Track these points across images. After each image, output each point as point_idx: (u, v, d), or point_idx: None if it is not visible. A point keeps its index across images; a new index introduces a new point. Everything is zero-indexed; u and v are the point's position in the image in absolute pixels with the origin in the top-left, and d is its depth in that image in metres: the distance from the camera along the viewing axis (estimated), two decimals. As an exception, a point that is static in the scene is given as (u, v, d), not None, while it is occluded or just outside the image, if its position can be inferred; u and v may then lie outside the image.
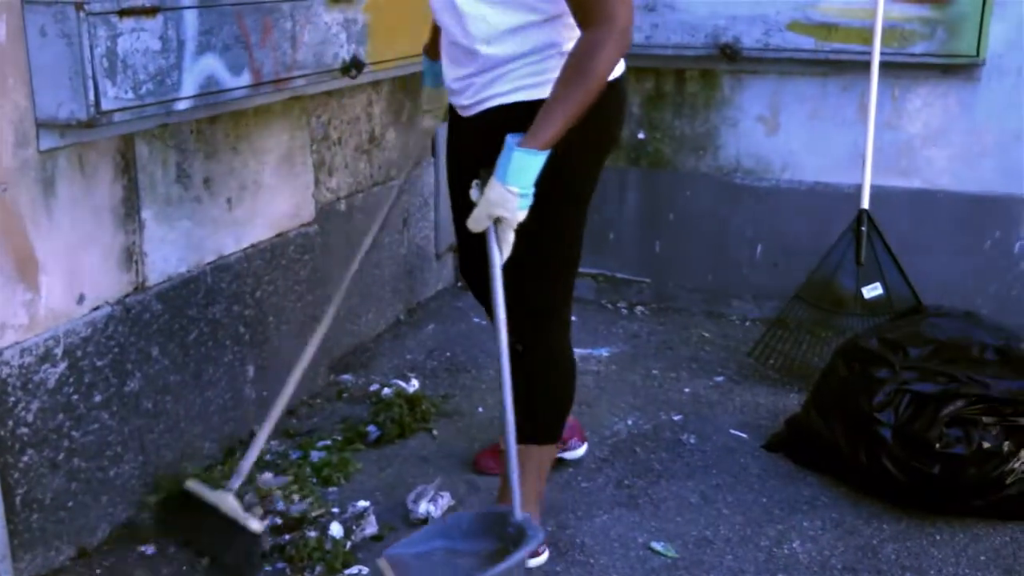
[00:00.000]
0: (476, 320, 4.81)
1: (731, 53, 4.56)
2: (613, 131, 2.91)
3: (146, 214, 3.13)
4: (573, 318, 3.16)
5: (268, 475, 3.39)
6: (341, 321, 4.27)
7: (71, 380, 2.90)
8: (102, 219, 2.98)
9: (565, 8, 2.56)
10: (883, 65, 4.23)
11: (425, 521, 3.20)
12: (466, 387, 4.16)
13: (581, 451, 3.45)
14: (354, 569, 2.99)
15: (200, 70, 3.03)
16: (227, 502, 3.01)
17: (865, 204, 4.20)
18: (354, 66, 3.73)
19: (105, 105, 2.69)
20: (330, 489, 3.40)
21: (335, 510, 3.24)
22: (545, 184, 2.56)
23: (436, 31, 3.16)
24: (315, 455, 3.56)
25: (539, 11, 2.62)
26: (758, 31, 4.51)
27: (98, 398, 3.00)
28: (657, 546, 3.15)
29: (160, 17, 2.85)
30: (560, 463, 3.49)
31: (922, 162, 4.54)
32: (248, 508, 3.03)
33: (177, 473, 3.32)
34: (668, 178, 4.93)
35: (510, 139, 2.52)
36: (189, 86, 2.99)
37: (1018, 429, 3.22)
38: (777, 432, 3.78)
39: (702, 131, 4.82)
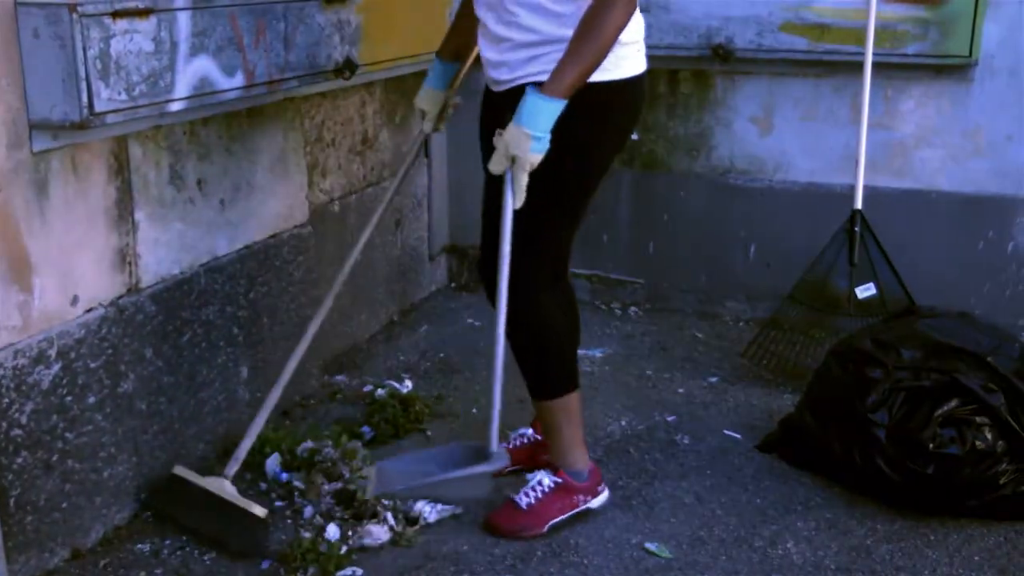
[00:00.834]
0: (470, 321, 4.81)
1: (724, 54, 4.56)
2: (630, 125, 3.11)
3: (139, 215, 3.13)
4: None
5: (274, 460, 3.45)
6: (334, 322, 4.27)
7: (65, 382, 2.90)
8: (95, 221, 2.98)
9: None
10: (876, 66, 4.24)
11: (416, 521, 3.21)
12: (459, 388, 4.16)
13: (604, 496, 3.35)
14: (347, 571, 2.99)
15: (193, 71, 3.03)
16: (224, 488, 3.09)
17: (858, 204, 4.21)
18: (347, 67, 3.72)
19: (98, 106, 2.69)
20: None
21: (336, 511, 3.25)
22: (564, 160, 2.84)
23: (455, 33, 3.28)
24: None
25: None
26: (751, 32, 4.51)
27: (92, 399, 3.00)
28: (651, 547, 3.15)
29: (153, 18, 2.85)
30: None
31: (915, 162, 4.55)
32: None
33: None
34: (662, 179, 4.93)
35: (530, 88, 2.74)
36: (182, 87, 2.99)
37: (1011, 429, 3.22)
38: (771, 433, 3.79)
39: (695, 132, 4.82)
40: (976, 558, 3.13)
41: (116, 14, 2.72)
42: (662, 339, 4.69)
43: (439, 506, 3.27)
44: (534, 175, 2.80)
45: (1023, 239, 4.45)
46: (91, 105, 2.66)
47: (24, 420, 2.78)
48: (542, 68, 2.83)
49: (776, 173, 4.76)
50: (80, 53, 2.61)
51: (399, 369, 4.31)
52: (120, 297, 3.09)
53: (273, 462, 3.41)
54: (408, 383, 4.11)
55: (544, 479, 3.23)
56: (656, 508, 3.37)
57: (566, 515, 3.21)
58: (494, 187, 3.00)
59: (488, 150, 2.97)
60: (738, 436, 3.82)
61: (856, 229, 4.19)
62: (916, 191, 4.57)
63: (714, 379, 4.30)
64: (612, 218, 5.00)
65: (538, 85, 2.74)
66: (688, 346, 4.63)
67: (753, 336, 4.40)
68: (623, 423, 3.88)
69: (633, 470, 3.57)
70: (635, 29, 2.95)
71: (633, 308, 5.00)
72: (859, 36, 4.26)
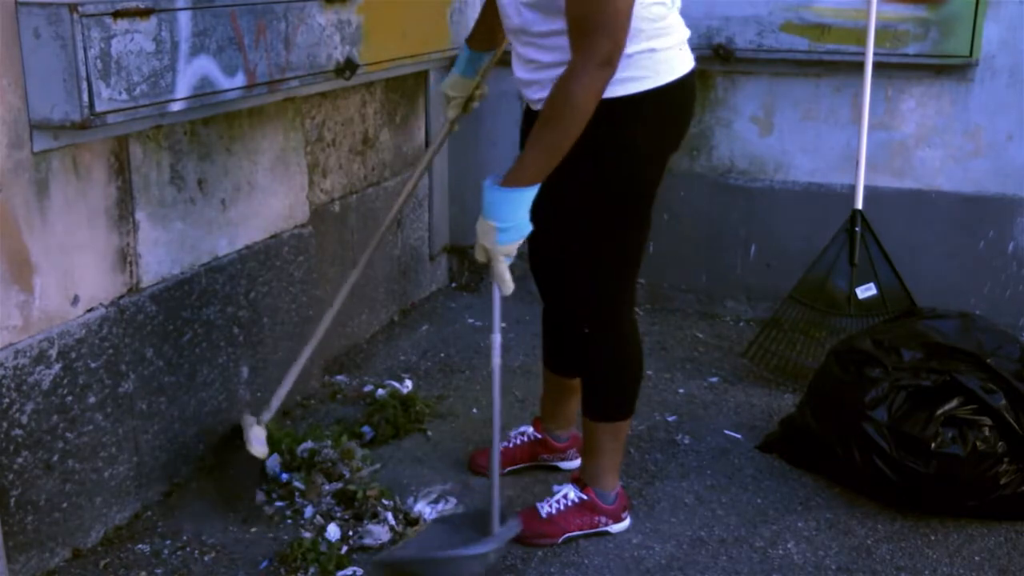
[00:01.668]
0: (470, 321, 4.81)
1: (725, 54, 4.56)
2: (668, 133, 2.95)
3: (140, 215, 3.13)
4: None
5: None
6: (335, 322, 4.26)
7: (65, 381, 2.90)
8: (96, 221, 2.98)
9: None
10: (876, 66, 4.24)
11: (416, 521, 3.21)
12: (460, 388, 4.16)
13: (626, 523, 3.30)
14: (348, 571, 2.99)
15: (194, 71, 3.03)
16: (246, 422, 3.29)
17: (859, 204, 4.21)
18: (348, 67, 3.73)
19: (99, 106, 2.69)
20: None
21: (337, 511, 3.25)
22: (598, 184, 2.82)
23: (483, 23, 3.22)
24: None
25: None
26: (752, 32, 4.51)
27: (92, 399, 3.00)
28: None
29: (154, 19, 2.85)
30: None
31: (916, 162, 4.55)
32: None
33: (172, 473, 3.34)
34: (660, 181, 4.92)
35: (489, 179, 2.65)
36: (183, 87, 2.99)
37: (1012, 430, 3.22)
38: (771, 433, 3.79)
39: (696, 132, 4.82)
40: (977, 558, 3.13)
41: (117, 14, 2.71)
42: (662, 339, 4.69)
43: (439, 505, 3.27)
44: (585, 208, 2.85)
45: (1023, 239, 4.45)
46: (92, 105, 2.66)
47: (24, 420, 2.78)
48: None
49: (776, 173, 4.76)
50: (81, 53, 2.61)
51: (399, 369, 4.31)
52: (121, 297, 3.09)
53: (273, 462, 3.41)
54: (408, 383, 4.11)
55: (570, 493, 3.22)
56: (656, 508, 3.37)
57: (584, 532, 3.20)
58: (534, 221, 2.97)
59: None
60: (739, 436, 3.82)
61: (857, 229, 4.19)
62: (917, 191, 4.57)
63: (714, 379, 4.30)
64: (612, 218, 4.99)
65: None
66: (688, 346, 4.63)
67: (754, 336, 4.40)
68: (624, 423, 3.88)
69: (633, 470, 3.57)
70: (651, 36, 2.78)
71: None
72: (859, 36, 4.26)
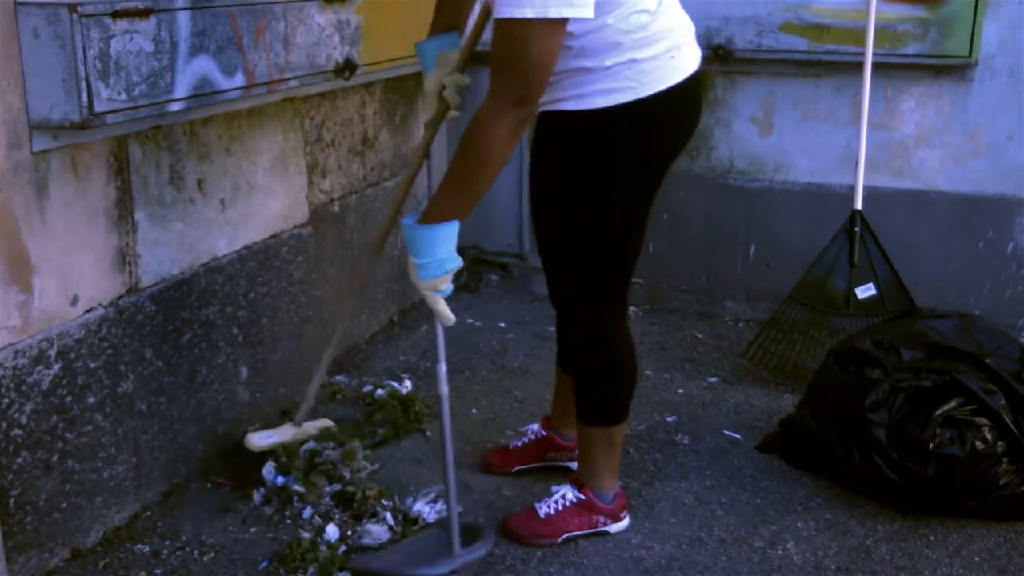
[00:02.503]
0: (469, 321, 4.81)
1: (724, 54, 4.57)
2: (658, 143, 2.90)
3: (139, 216, 3.13)
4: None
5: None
6: (334, 323, 4.27)
7: (64, 382, 2.90)
8: (95, 221, 2.98)
9: (599, 25, 2.61)
10: (876, 66, 4.24)
11: (415, 521, 3.22)
12: (459, 388, 4.16)
13: (625, 523, 3.30)
14: (347, 571, 2.98)
15: (193, 71, 3.03)
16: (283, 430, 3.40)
17: (858, 205, 4.21)
18: (347, 67, 3.73)
19: (98, 107, 2.69)
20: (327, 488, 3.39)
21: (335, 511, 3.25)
22: (583, 195, 2.83)
23: (442, 7, 3.10)
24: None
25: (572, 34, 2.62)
26: (751, 32, 4.51)
27: (92, 400, 3.00)
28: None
29: (153, 19, 2.85)
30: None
31: (915, 163, 4.55)
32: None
33: (171, 473, 3.34)
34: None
35: (408, 216, 2.68)
36: (182, 87, 2.99)
37: (1011, 430, 3.22)
38: (771, 433, 3.79)
39: (695, 132, 4.80)
40: (976, 558, 3.13)
41: (116, 14, 2.71)
42: (662, 339, 4.69)
43: (438, 505, 3.27)
44: (574, 215, 2.86)
45: (1023, 239, 4.45)
46: (91, 105, 2.66)
47: (24, 420, 2.78)
48: (562, 95, 2.77)
49: (776, 173, 4.76)
50: (80, 53, 2.61)
51: (399, 369, 4.31)
52: (120, 297, 3.09)
53: (268, 470, 3.39)
54: (408, 383, 4.11)
55: (568, 493, 3.22)
56: (656, 508, 3.37)
57: (582, 532, 3.20)
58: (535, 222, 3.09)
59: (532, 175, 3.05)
60: (738, 436, 3.82)
61: (856, 229, 4.19)
62: (916, 191, 4.57)
63: (714, 379, 4.30)
64: (612, 218, 4.99)
65: (561, 126, 2.75)
66: (688, 346, 4.63)
67: (753, 336, 4.40)
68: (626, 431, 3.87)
69: (633, 470, 3.57)
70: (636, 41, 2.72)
71: (633, 308, 5.00)
72: (859, 36, 4.26)
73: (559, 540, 3.16)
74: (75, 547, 3.02)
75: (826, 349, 3.86)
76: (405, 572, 2.84)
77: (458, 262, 2.70)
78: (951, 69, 4.38)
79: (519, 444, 3.54)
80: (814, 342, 4.22)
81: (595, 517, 3.20)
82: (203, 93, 3.08)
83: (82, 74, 2.63)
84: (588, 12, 2.54)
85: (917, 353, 3.46)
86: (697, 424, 3.91)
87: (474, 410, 3.99)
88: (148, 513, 3.25)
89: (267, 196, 3.70)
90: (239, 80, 3.22)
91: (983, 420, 3.24)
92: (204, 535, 3.16)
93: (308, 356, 4.00)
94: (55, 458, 2.90)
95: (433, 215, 2.64)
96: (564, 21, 2.49)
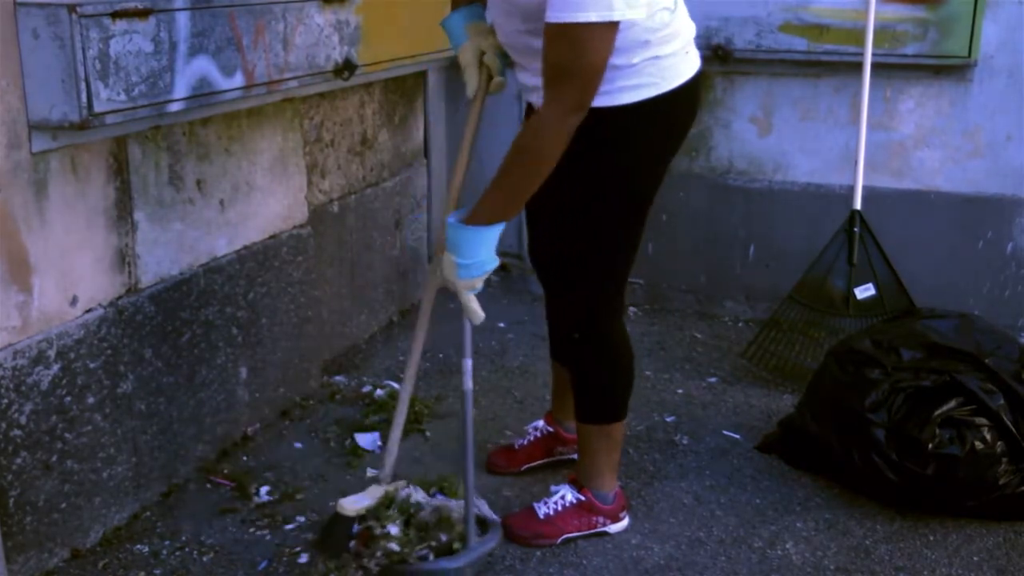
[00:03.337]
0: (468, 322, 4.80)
1: (723, 54, 4.57)
2: (672, 137, 2.95)
3: (139, 216, 3.13)
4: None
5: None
6: (334, 323, 4.27)
7: (64, 382, 2.90)
8: (95, 221, 2.98)
9: (629, 23, 2.60)
10: (875, 66, 4.24)
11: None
12: (459, 388, 4.12)
13: (624, 524, 3.29)
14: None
15: (193, 72, 3.03)
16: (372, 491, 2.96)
17: (858, 205, 4.21)
18: (347, 68, 3.73)
19: (97, 107, 2.69)
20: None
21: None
22: (602, 190, 2.83)
23: None
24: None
25: None
26: (750, 32, 4.51)
27: (91, 400, 3.00)
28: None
29: (152, 19, 2.85)
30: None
31: (914, 163, 4.55)
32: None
33: (171, 474, 3.34)
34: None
35: (451, 216, 2.68)
36: (182, 88, 2.99)
37: (1010, 430, 3.22)
38: (770, 433, 3.79)
39: (695, 132, 4.78)
40: (975, 558, 3.13)
41: (115, 14, 2.71)
42: (661, 339, 4.69)
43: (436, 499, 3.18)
44: (585, 213, 2.86)
45: (1022, 240, 4.45)
46: (90, 105, 2.66)
47: (23, 420, 2.78)
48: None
49: (775, 173, 4.76)
50: (79, 53, 2.61)
51: (398, 369, 4.31)
52: (119, 297, 3.09)
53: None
54: (407, 383, 4.12)
55: (567, 494, 3.22)
56: (655, 508, 3.37)
57: (582, 533, 3.19)
58: (530, 215, 3.12)
59: None
60: (737, 436, 3.82)
61: (855, 229, 4.19)
62: (915, 191, 4.57)
63: (713, 379, 4.30)
64: (611, 218, 4.99)
65: (587, 123, 2.63)
66: (687, 346, 4.63)
67: (752, 336, 4.40)
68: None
69: (632, 470, 3.57)
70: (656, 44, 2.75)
71: (632, 308, 5.00)
72: (858, 36, 4.26)
73: (558, 541, 3.16)
74: (75, 547, 3.02)
75: (825, 349, 3.86)
76: (423, 567, 2.83)
77: (496, 262, 2.72)
78: (950, 69, 4.38)
79: (525, 443, 3.54)
80: (813, 342, 4.22)
81: (595, 518, 3.20)
82: (202, 93, 3.08)
83: (81, 74, 2.63)
84: (643, 12, 2.60)
85: (916, 353, 3.46)
86: (696, 424, 3.91)
87: (474, 410, 3.98)
88: (147, 513, 3.25)
89: (266, 196, 3.70)
90: (238, 80, 3.22)
91: (982, 420, 3.24)
92: (204, 535, 3.16)
93: (307, 356, 4.00)
94: (54, 458, 2.90)
95: (481, 216, 2.64)
96: (619, 23, 2.51)
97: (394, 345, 4.55)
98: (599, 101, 2.71)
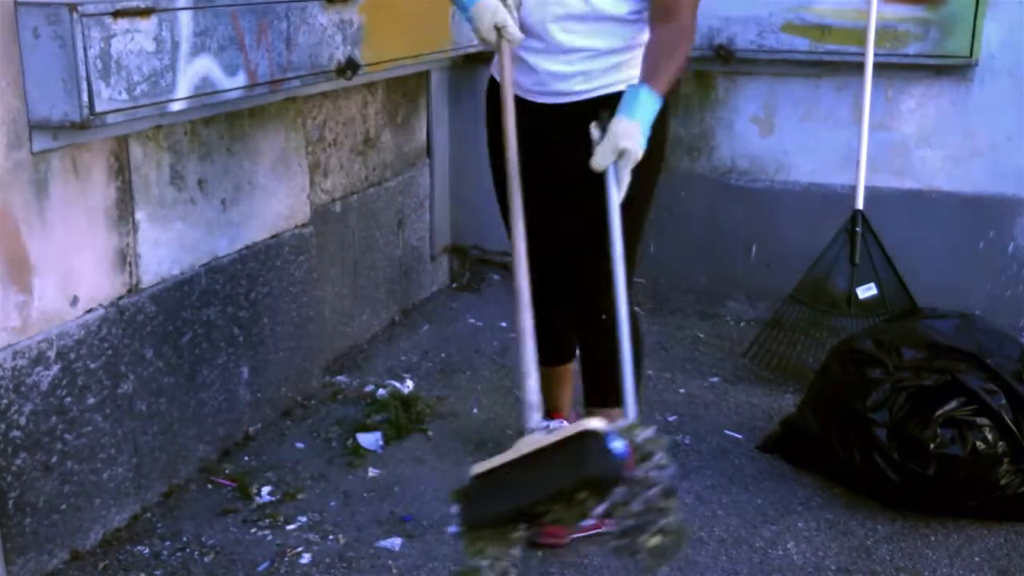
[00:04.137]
0: (471, 321, 4.81)
1: (725, 54, 4.56)
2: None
3: (140, 216, 3.13)
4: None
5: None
6: (336, 322, 4.27)
7: (64, 383, 2.90)
8: (95, 221, 2.98)
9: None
10: (877, 66, 4.24)
11: None
12: (461, 388, 4.16)
13: None
14: None
15: (195, 71, 3.03)
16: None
17: (859, 205, 4.21)
18: (349, 67, 3.72)
19: (99, 106, 2.69)
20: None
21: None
22: (646, 169, 2.83)
23: None
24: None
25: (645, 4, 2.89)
26: (752, 32, 4.51)
27: (91, 400, 3.00)
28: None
29: (154, 18, 2.85)
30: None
31: (916, 162, 4.54)
32: None
33: (171, 474, 3.33)
34: (662, 179, 4.90)
35: (637, 85, 2.73)
36: (183, 87, 2.99)
37: (1012, 431, 3.22)
38: (772, 433, 3.78)
39: (696, 132, 4.82)
40: (976, 559, 3.13)
41: (117, 14, 2.72)
42: (663, 339, 4.69)
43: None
44: (634, 185, 2.81)
45: (1023, 239, 4.45)
46: (91, 105, 2.66)
47: (23, 421, 2.78)
48: (631, 73, 2.92)
49: (777, 173, 4.76)
50: (80, 53, 2.61)
51: (400, 369, 4.31)
52: (120, 298, 3.09)
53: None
54: (409, 383, 4.12)
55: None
56: (657, 508, 3.36)
57: (589, 534, 3.15)
58: (549, 208, 3.09)
59: (549, 172, 3.05)
60: (739, 436, 3.82)
61: (857, 229, 4.19)
62: (917, 191, 4.57)
63: (715, 379, 4.30)
64: (613, 218, 4.99)
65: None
66: (689, 346, 4.63)
67: (754, 336, 4.40)
68: (623, 423, 3.87)
69: (634, 470, 3.57)
70: None
71: (634, 308, 4.99)
72: (860, 36, 4.26)
73: (565, 541, 3.15)
74: (74, 549, 3.01)
75: (827, 349, 3.86)
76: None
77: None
78: (951, 69, 4.38)
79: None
80: (815, 342, 4.21)
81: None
82: (204, 93, 3.08)
83: (82, 74, 2.63)
84: None
85: (918, 353, 3.45)
86: (698, 424, 3.91)
87: (475, 410, 3.99)
88: (148, 514, 3.25)
89: (268, 196, 3.70)
90: (241, 80, 3.22)
91: (984, 420, 3.23)
92: (204, 536, 3.16)
93: (309, 356, 4.00)
94: (54, 459, 2.89)
95: (662, 91, 2.74)
96: None
97: (396, 345, 4.55)
98: (616, 84, 2.93)
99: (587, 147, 2.73)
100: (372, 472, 3.51)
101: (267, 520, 3.24)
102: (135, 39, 2.78)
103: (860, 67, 4.23)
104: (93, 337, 2.99)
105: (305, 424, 3.83)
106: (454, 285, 5.26)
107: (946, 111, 4.46)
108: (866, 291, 4.21)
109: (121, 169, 3.04)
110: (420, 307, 4.97)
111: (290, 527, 3.22)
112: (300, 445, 3.69)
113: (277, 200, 3.75)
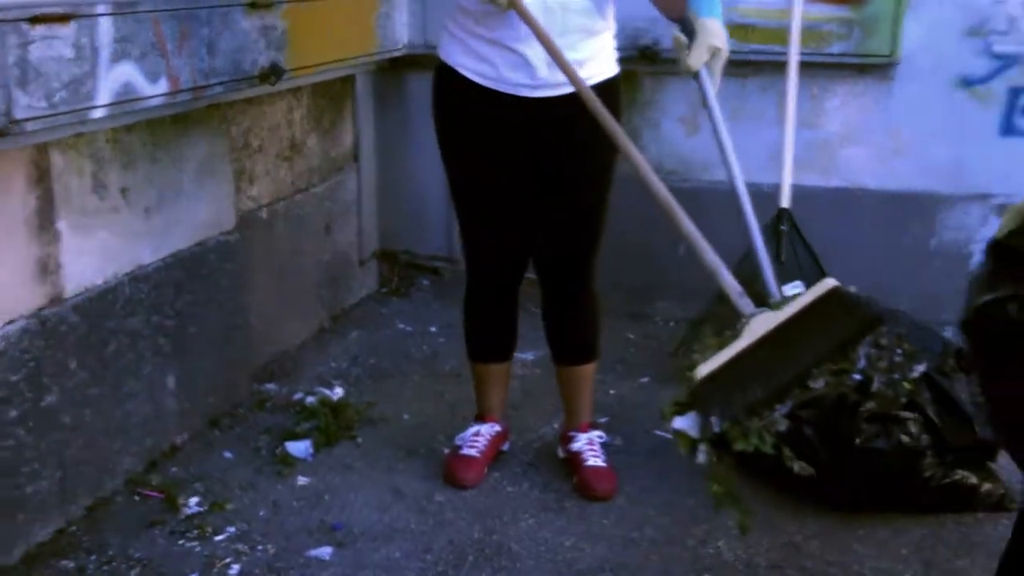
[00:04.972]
0: (400, 326, 4.79)
1: (651, 55, 4.58)
2: None
3: (61, 225, 3.08)
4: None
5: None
6: (263, 329, 4.23)
7: (-15, 396, 2.85)
8: (15, 230, 2.93)
9: None
10: (801, 65, 4.27)
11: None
12: (391, 394, 4.14)
13: None
14: None
15: (116, 78, 2.99)
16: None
17: (785, 203, 4.23)
18: (273, 73, 3.70)
19: (17, 114, 2.64)
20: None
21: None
22: (609, 153, 3.27)
23: None
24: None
25: None
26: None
27: (13, 413, 2.94)
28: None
29: (73, 24, 2.81)
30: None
31: (841, 161, 4.60)
32: None
33: (97, 487, 3.29)
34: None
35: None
36: (104, 94, 2.95)
37: (935, 425, 3.26)
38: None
39: (625, 133, 4.82)
40: (903, 551, 3.16)
41: (35, 20, 2.68)
42: (594, 340, 4.70)
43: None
44: (602, 166, 3.32)
45: (947, 236, 4.52)
46: (9, 112, 2.62)
47: (-56, 435, 2.73)
48: (605, 66, 3.23)
49: (704, 173, 4.79)
50: (-3, 60, 2.57)
51: (330, 376, 4.29)
52: (42, 308, 3.04)
53: None
54: (339, 390, 4.09)
55: (595, 440, 3.59)
56: (588, 510, 3.37)
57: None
58: (507, 217, 3.32)
59: (545, 169, 3.30)
60: (670, 436, 3.81)
61: (782, 228, 4.22)
62: (842, 189, 4.62)
63: (645, 379, 4.32)
64: (542, 220, 4.99)
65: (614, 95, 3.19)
66: (620, 347, 4.64)
67: (683, 336, 4.42)
68: (555, 426, 3.86)
69: (566, 472, 3.57)
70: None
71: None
72: (784, 36, 4.29)
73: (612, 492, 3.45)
74: (-1, 564, 2.97)
75: (755, 347, 3.87)
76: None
77: None
78: (874, 68, 4.44)
79: (477, 454, 3.54)
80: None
81: None
82: (126, 100, 3.05)
83: (0, 81, 2.58)
84: None
85: (844, 350, 3.48)
86: (629, 425, 3.92)
87: (406, 415, 3.97)
88: (73, 528, 3.19)
89: (193, 203, 3.66)
90: (163, 86, 3.19)
91: (908, 414, 3.27)
92: (131, 549, 3.12)
93: (237, 364, 3.96)
94: (-23, 473, 2.85)
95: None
96: None
97: (325, 351, 4.53)
98: (608, 71, 3.21)
99: (584, 136, 3.05)
100: (301, 480, 3.48)
101: (195, 531, 3.20)
102: (54, 46, 2.74)
103: (785, 66, 4.27)
104: (14, 349, 2.94)
105: (233, 433, 3.79)
106: (383, 290, 5.24)
107: (870, 109, 4.52)
108: (792, 289, 4.22)
109: (42, 177, 3.00)
110: (349, 313, 4.95)
111: (218, 538, 3.18)
112: (228, 455, 3.65)
113: (202, 207, 3.71)
